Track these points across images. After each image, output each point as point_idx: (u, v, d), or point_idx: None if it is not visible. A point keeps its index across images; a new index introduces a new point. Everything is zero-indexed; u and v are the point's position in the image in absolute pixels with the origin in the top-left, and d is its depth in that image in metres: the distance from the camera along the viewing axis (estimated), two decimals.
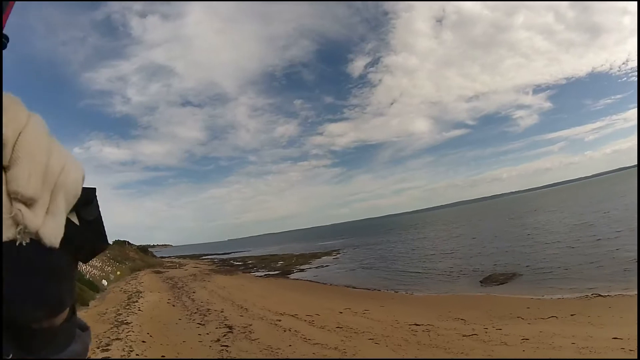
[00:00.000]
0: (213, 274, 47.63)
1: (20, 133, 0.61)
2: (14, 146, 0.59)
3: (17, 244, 0.57)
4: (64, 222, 0.63)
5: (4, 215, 0.56)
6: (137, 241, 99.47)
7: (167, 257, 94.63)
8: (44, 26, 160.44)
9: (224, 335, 15.35)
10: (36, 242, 0.58)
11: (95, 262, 63.12)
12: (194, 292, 31.98)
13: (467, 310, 15.53)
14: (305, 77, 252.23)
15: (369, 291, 25.53)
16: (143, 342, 14.70)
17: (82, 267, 48.07)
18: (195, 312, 22.34)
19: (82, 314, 20.87)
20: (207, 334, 15.74)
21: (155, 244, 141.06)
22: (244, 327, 16.67)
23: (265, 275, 43.17)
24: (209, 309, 22.60)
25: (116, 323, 18.15)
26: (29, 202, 0.60)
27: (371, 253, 51.28)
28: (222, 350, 13.50)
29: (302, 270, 42.69)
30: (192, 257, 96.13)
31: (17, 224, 0.58)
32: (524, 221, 59.10)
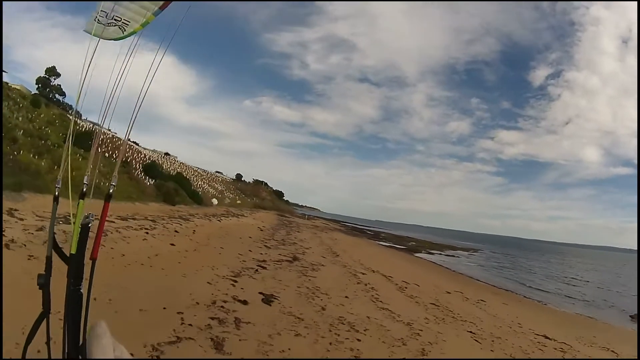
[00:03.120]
0: (336, 231, 47.92)
1: None
2: None
3: None
4: None
5: None
6: (289, 199, 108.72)
7: (308, 214, 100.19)
8: None
9: (278, 262, 12.86)
10: None
11: (216, 184, 72.19)
12: (298, 232, 31.24)
13: (617, 343, 10.84)
14: (486, 77, 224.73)
15: (494, 287, 20.59)
16: (190, 239, 13.59)
17: (199, 182, 55.84)
18: (278, 241, 20.74)
19: (164, 206, 19.74)
20: (259, 254, 14.05)
21: (304, 205, 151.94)
22: (310, 264, 13.76)
23: (389, 246, 40.79)
24: (294, 244, 20.67)
25: (183, 220, 18.08)
26: None
27: (510, 260, 46.91)
28: (246, 273, 10.78)
29: (430, 253, 39.50)
30: (331, 221, 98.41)
31: None
32: None
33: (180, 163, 64.64)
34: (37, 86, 45.32)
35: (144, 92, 1.26)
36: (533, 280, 27.02)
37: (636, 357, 7.47)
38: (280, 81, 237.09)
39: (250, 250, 15.01)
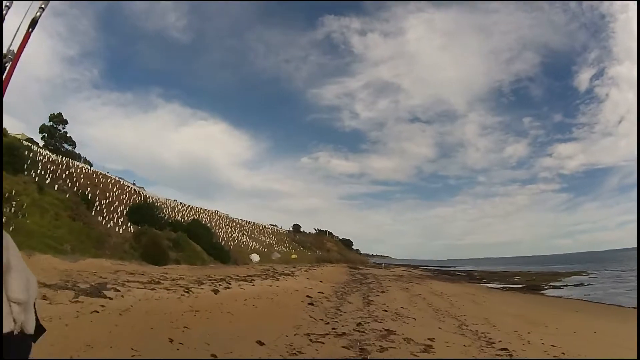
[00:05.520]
0: (427, 279, 38.17)
1: (8, 249, 1.04)
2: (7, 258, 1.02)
3: (13, 333, 1.00)
4: (34, 317, 1.09)
5: (5, 312, 0.98)
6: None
7: (384, 263, 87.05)
8: (263, 46, 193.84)
9: None
10: (22, 331, 1.04)
11: (263, 236, 59.77)
12: (381, 292, 17.81)
13: None
14: (533, 93, 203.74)
15: None
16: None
17: (234, 234, 44.13)
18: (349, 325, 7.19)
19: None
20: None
21: (374, 254, 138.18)
22: None
23: (503, 287, 32.38)
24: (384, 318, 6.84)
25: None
26: (20, 304, 1.02)
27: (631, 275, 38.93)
28: None
29: (555, 287, 31.62)
30: (408, 266, 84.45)
31: (15, 320, 1.00)
32: None
33: (226, 217, 54.55)
34: (42, 135, 39.53)
35: None
36: None
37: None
38: (333, 134, 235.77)
39: None
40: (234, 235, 42.55)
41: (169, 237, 25.29)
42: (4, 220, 13.77)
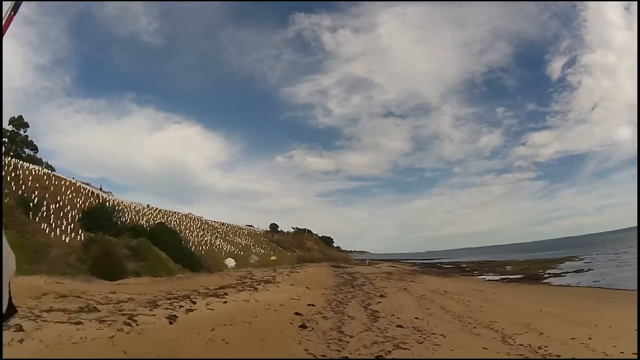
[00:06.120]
0: (418, 274, 35.66)
1: None
2: None
3: None
4: (7, 295, 1.11)
5: None
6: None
7: (367, 259, 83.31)
8: (236, 47, 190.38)
9: None
10: None
11: (241, 239, 56.23)
12: (381, 297, 15.10)
13: None
14: (506, 83, 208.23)
15: None
16: None
17: (206, 237, 38.86)
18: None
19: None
20: None
21: (353, 250, 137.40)
22: None
23: (502, 279, 29.54)
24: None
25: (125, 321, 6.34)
26: None
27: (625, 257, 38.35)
28: None
29: (556, 275, 29.59)
30: (390, 261, 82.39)
31: None
32: None
33: (198, 219, 50.33)
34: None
35: None
36: None
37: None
38: (307, 132, 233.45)
39: None
40: (206, 238, 38.74)
41: (128, 244, 21.61)
42: None
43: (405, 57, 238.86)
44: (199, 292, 12.98)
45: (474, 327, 9.53)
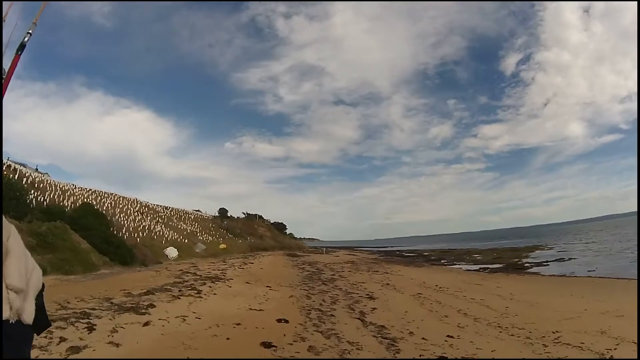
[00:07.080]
0: (384, 264, 32.40)
1: (8, 237, 0.98)
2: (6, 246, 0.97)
3: (9, 322, 0.93)
4: (34, 307, 1.02)
5: (4, 300, 0.93)
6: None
7: (324, 247, 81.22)
8: (188, 30, 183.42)
9: None
10: (19, 320, 0.97)
11: (186, 224, 51.35)
12: (369, 298, 12.47)
13: None
14: (459, 76, 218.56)
15: None
16: None
17: (145, 222, 31.87)
18: None
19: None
20: None
21: (303, 237, 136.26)
22: None
23: (481, 269, 27.41)
24: None
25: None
26: (17, 292, 0.95)
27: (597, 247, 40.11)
28: None
29: (538, 264, 28.25)
30: (343, 249, 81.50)
31: (10, 307, 0.93)
32: None
33: (136, 201, 44.58)
34: None
35: None
36: None
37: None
38: (257, 118, 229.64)
39: None
40: (144, 223, 33.93)
41: (34, 230, 17.03)
42: None
43: (358, 46, 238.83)
44: (112, 304, 9.11)
45: (545, 345, 6.98)
